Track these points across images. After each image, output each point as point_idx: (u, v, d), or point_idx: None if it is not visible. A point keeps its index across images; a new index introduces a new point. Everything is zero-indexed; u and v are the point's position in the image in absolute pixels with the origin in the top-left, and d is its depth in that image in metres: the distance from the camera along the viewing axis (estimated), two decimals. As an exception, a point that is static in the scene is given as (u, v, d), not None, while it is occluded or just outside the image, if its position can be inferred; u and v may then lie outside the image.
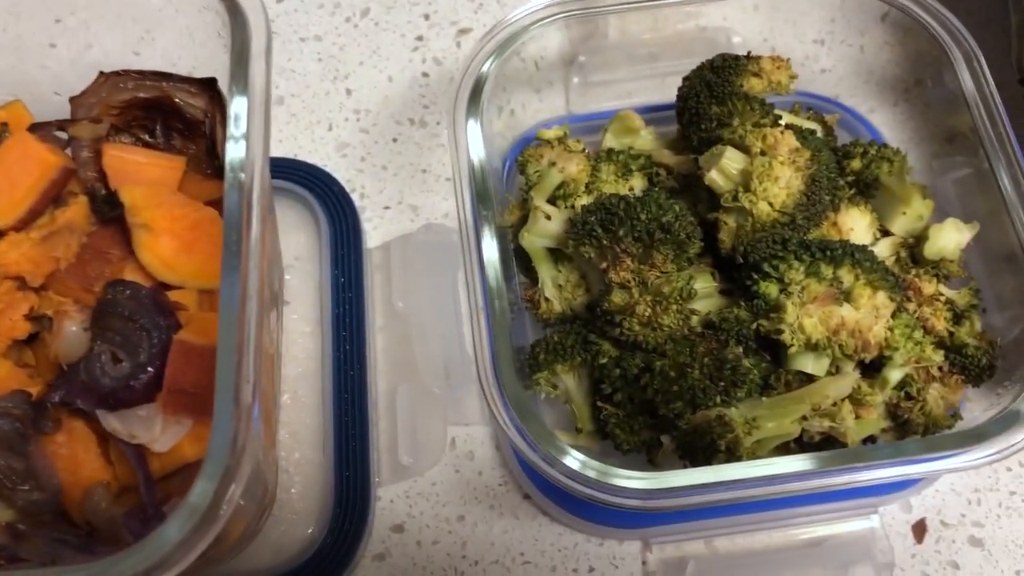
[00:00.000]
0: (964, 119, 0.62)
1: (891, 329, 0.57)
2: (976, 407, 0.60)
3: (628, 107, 0.69)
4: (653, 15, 0.72)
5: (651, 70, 0.74)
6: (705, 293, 0.59)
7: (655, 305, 0.56)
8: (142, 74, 0.62)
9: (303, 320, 0.69)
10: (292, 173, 0.74)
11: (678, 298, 0.56)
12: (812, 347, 0.55)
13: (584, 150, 0.66)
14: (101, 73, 0.62)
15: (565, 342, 0.59)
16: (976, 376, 0.59)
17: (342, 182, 0.74)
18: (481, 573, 0.63)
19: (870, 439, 0.58)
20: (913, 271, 0.61)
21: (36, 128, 0.62)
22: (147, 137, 0.63)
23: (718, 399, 0.53)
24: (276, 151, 0.77)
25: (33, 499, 0.51)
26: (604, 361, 0.58)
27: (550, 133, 0.67)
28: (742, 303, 0.57)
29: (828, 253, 0.55)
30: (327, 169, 0.75)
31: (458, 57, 0.82)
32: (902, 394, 0.58)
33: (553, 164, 0.64)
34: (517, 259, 0.64)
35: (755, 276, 0.56)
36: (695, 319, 0.58)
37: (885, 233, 0.64)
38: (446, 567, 0.64)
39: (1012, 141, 0.60)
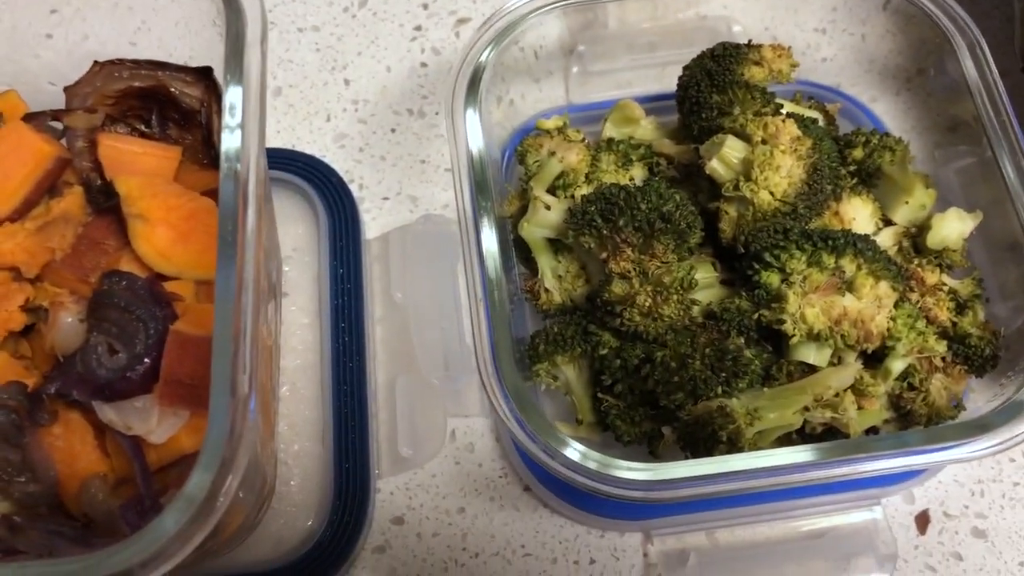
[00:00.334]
0: (967, 108, 0.61)
1: (893, 319, 0.56)
2: (979, 398, 0.60)
3: (628, 96, 0.69)
4: (653, 4, 0.72)
5: (651, 59, 0.73)
6: (706, 283, 0.59)
7: (656, 295, 0.56)
8: (137, 63, 0.62)
9: (302, 312, 0.69)
10: (290, 164, 0.74)
11: (679, 288, 0.56)
12: (814, 337, 0.54)
13: (584, 140, 0.66)
14: (96, 62, 0.61)
15: (565, 333, 0.59)
16: (979, 366, 0.59)
17: (340, 173, 0.74)
18: (482, 565, 0.63)
19: (872, 430, 0.58)
20: (916, 261, 0.61)
21: (31, 118, 0.61)
22: (143, 127, 0.63)
23: (719, 390, 0.53)
24: (274, 142, 0.77)
25: (29, 491, 0.51)
26: (604, 352, 0.58)
27: (550, 123, 0.67)
28: (743, 293, 0.57)
29: (830, 243, 0.55)
30: (325, 160, 0.75)
31: (457, 47, 0.81)
32: (905, 385, 0.58)
33: (553, 154, 0.64)
34: (517, 250, 0.64)
35: (756, 266, 0.56)
36: (696, 309, 0.58)
37: (887, 223, 0.63)
38: (446, 559, 0.63)
39: (1015, 129, 0.59)
